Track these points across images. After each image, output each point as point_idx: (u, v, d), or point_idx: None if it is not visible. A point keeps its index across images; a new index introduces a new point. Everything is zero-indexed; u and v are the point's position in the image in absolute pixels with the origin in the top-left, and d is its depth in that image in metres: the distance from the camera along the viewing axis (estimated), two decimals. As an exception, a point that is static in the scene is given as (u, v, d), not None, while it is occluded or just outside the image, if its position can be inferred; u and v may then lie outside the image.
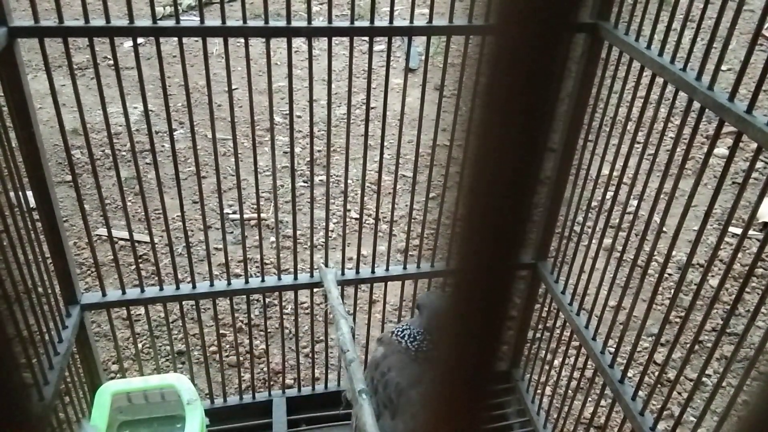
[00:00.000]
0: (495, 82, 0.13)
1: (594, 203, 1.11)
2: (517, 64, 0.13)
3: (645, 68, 0.92)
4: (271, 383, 1.42)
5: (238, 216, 2.02)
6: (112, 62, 0.95)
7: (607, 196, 1.06)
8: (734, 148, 0.77)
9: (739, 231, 1.92)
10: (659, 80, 0.89)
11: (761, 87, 0.72)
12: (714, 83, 0.79)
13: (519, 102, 0.13)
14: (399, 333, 1.00)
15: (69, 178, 2.09)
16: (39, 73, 2.57)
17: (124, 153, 2.30)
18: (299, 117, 2.60)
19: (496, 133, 0.13)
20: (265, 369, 1.53)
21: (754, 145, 0.73)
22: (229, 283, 1.15)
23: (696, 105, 0.82)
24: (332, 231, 2.00)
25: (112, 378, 1.41)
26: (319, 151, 2.37)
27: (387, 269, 1.21)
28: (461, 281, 0.14)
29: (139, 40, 0.96)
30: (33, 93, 0.94)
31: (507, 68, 0.13)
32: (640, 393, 1.00)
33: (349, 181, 2.14)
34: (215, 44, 2.67)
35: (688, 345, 0.90)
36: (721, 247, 0.85)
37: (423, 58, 1.02)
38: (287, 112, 2.46)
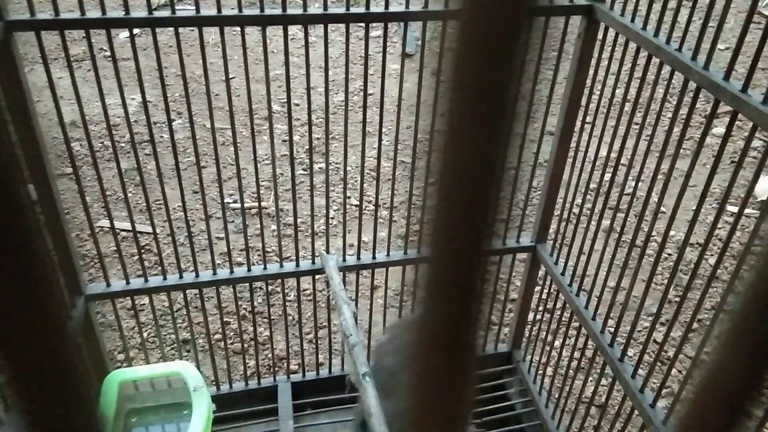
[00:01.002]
0: (459, 66, 0.13)
1: (592, 185, 1.12)
2: (478, 47, 0.13)
3: (641, 49, 0.92)
4: (276, 369, 1.44)
5: (238, 205, 2.03)
6: (108, 53, 0.95)
7: (606, 178, 1.06)
8: (730, 126, 0.78)
9: (736, 209, 1.92)
10: (655, 60, 0.89)
11: (756, 65, 0.73)
12: (710, 63, 0.79)
13: (481, 86, 0.14)
14: None
15: (69, 170, 2.09)
16: (36, 66, 2.56)
17: (123, 144, 2.30)
18: (297, 105, 2.59)
19: (462, 121, 0.14)
20: (270, 355, 1.54)
21: (752, 123, 0.74)
22: (231, 272, 1.16)
23: (692, 85, 0.82)
24: (333, 218, 2.00)
25: (118, 367, 1.43)
26: (317, 138, 2.37)
27: (388, 254, 1.22)
28: (435, 267, 0.15)
29: (135, 30, 0.96)
30: (30, 86, 0.94)
31: (470, 52, 0.13)
32: (640, 371, 1.02)
33: (349, 168, 2.15)
34: (211, 33, 2.66)
35: (687, 323, 0.91)
36: (719, 226, 0.85)
37: (420, 42, 1.02)
38: (285, 100, 2.46)
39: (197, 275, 1.14)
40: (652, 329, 0.98)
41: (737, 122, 0.79)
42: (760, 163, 0.74)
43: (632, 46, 0.94)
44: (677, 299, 0.96)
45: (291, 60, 1.00)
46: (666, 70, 0.88)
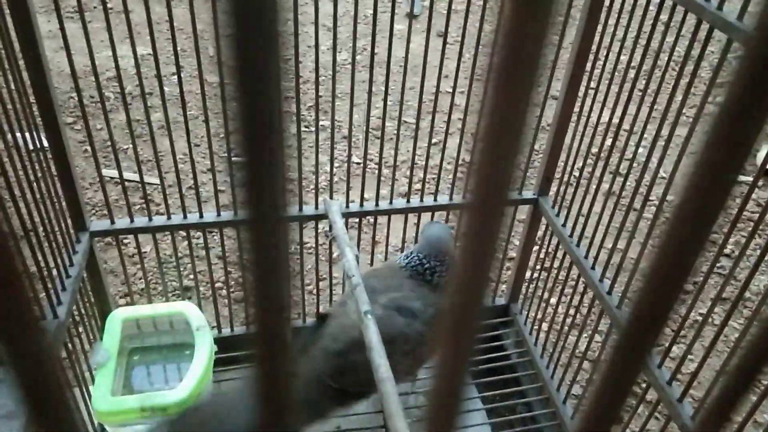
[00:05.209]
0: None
1: (594, 149, 1.12)
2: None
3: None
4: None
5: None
6: (111, 6, 0.95)
7: (607, 143, 1.07)
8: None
9: (743, 178, 1.93)
10: (663, 17, 0.88)
11: None
12: (723, 3, 0.79)
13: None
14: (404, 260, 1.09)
15: (70, 120, 2.09)
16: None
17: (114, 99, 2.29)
18: (300, 63, 2.58)
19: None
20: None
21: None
22: (235, 214, 1.17)
23: (705, 27, 0.81)
24: (335, 175, 2.01)
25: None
26: (320, 96, 2.37)
27: (391, 203, 1.23)
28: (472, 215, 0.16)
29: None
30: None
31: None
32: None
33: (355, 127, 2.15)
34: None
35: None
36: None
37: (426, 4, 1.02)
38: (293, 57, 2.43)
39: (201, 215, 1.15)
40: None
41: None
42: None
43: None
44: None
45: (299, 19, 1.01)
46: (675, 21, 0.87)
